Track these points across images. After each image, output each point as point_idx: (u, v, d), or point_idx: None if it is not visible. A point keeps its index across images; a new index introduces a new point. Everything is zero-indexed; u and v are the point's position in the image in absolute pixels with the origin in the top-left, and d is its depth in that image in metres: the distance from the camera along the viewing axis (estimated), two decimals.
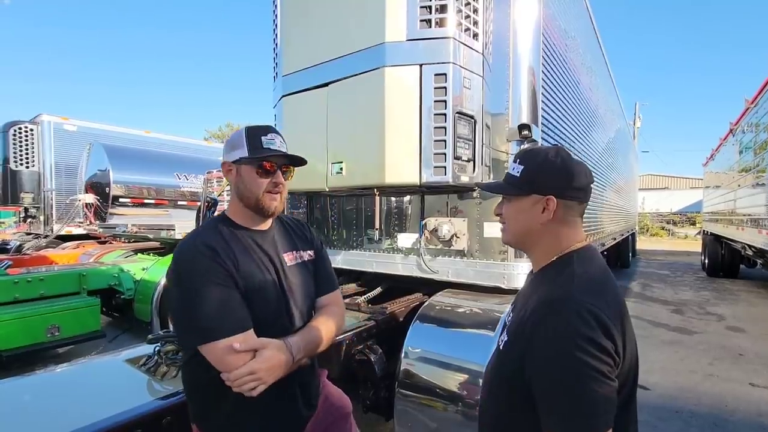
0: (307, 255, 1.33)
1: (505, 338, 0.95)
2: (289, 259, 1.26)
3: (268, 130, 1.21)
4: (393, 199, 2.83)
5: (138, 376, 1.92)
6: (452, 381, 1.97)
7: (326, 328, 1.24)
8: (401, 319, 2.56)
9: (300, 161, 1.26)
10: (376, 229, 2.75)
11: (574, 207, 0.95)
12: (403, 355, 2.12)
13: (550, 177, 0.94)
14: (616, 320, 0.81)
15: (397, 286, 2.94)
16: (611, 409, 0.76)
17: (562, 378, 0.77)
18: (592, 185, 0.98)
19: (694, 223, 26.26)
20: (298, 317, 1.23)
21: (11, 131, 7.95)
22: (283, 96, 2.63)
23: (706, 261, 10.53)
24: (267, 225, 1.28)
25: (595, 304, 0.80)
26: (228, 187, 5.99)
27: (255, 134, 1.19)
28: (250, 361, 1.04)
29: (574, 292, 0.83)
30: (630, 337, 0.85)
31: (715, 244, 10.17)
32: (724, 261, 9.87)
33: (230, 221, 1.23)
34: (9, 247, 7.35)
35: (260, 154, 1.17)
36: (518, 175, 0.97)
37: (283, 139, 1.24)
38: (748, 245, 7.59)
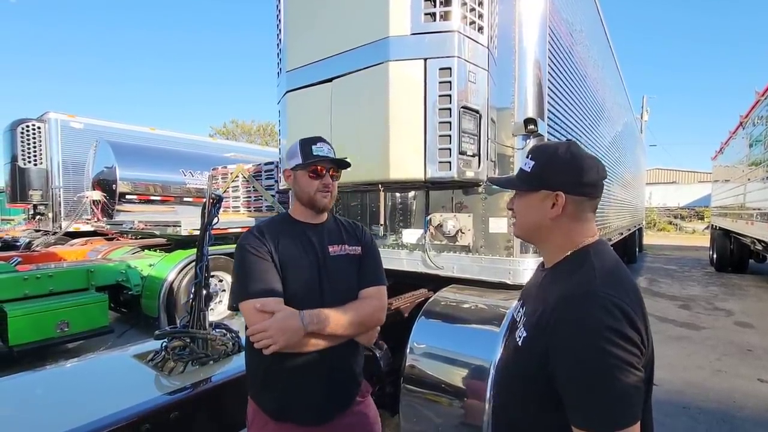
0: (353, 250, 1.47)
1: (524, 334, 0.93)
2: (333, 249, 1.42)
3: (317, 140, 1.42)
4: (397, 194, 2.82)
5: (145, 372, 1.94)
6: (457, 376, 1.97)
7: (348, 314, 1.31)
8: (406, 315, 2.55)
9: (345, 164, 1.45)
10: (381, 224, 2.74)
11: (584, 202, 0.94)
12: (408, 350, 2.12)
13: (559, 172, 0.94)
14: (638, 311, 0.81)
15: (402, 281, 2.94)
16: (640, 401, 0.76)
17: (590, 371, 0.76)
18: (603, 180, 0.96)
19: (702, 218, 25.99)
20: (332, 299, 1.34)
21: (19, 129, 7.98)
22: (287, 92, 2.62)
23: (715, 256, 10.42)
24: (321, 220, 1.47)
25: (618, 296, 0.80)
26: (233, 184, 6.01)
27: (306, 144, 1.40)
28: (266, 320, 1.20)
29: (596, 285, 0.83)
30: (649, 328, 0.85)
31: (723, 238, 10.05)
32: (733, 256, 9.76)
33: (290, 217, 1.47)
34: (18, 243, 7.43)
35: (310, 161, 1.37)
36: (529, 170, 0.98)
37: (331, 147, 1.43)
38: (758, 240, 7.49)
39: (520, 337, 0.95)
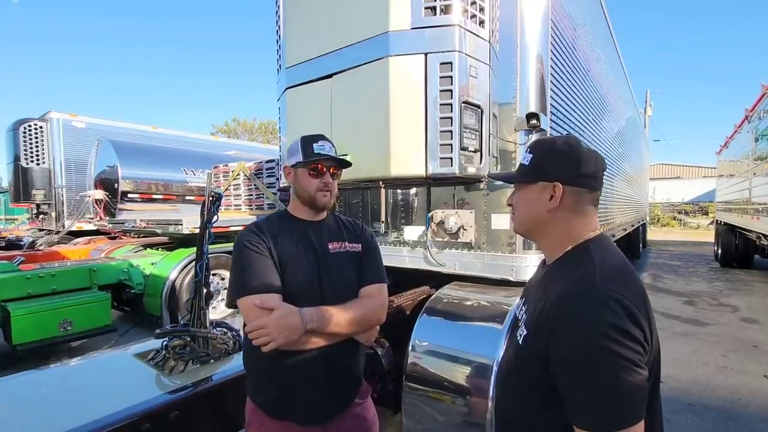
0: (353, 247, 1.44)
1: (524, 332, 0.92)
2: (332, 246, 1.40)
3: (319, 138, 1.41)
4: (399, 191, 2.80)
5: (146, 371, 1.93)
6: (460, 374, 1.96)
7: (349, 312, 1.29)
8: (408, 313, 2.54)
9: (346, 164, 1.44)
10: (382, 221, 2.73)
11: (583, 195, 0.93)
12: (410, 348, 2.11)
13: (556, 163, 0.93)
14: (641, 307, 0.79)
15: (403, 279, 2.92)
16: (643, 399, 0.74)
17: (591, 369, 0.74)
18: (603, 173, 0.95)
19: (706, 213, 25.84)
20: (331, 296, 1.32)
21: (21, 129, 8.00)
22: (287, 88, 2.61)
23: (719, 251, 10.36)
24: (320, 218, 1.45)
25: (619, 292, 0.77)
26: (235, 182, 6.01)
27: (308, 142, 1.39)
28: (264, 317, 1.18)
29: (597, 281, 0.81)
30: (654, 324, 0.83)
31: (728, 233, 9.99)
32: (738, 251, 9.69)
33: (289, 214, 1.46)
34: (22, 243, 7.46)
35: (311, 159, 1.35)
36: (527, 163, 0.97)
37: (332, 145, 1.41)
38: (763, 235, 7.44)
39: (520, 335, 0.93)
